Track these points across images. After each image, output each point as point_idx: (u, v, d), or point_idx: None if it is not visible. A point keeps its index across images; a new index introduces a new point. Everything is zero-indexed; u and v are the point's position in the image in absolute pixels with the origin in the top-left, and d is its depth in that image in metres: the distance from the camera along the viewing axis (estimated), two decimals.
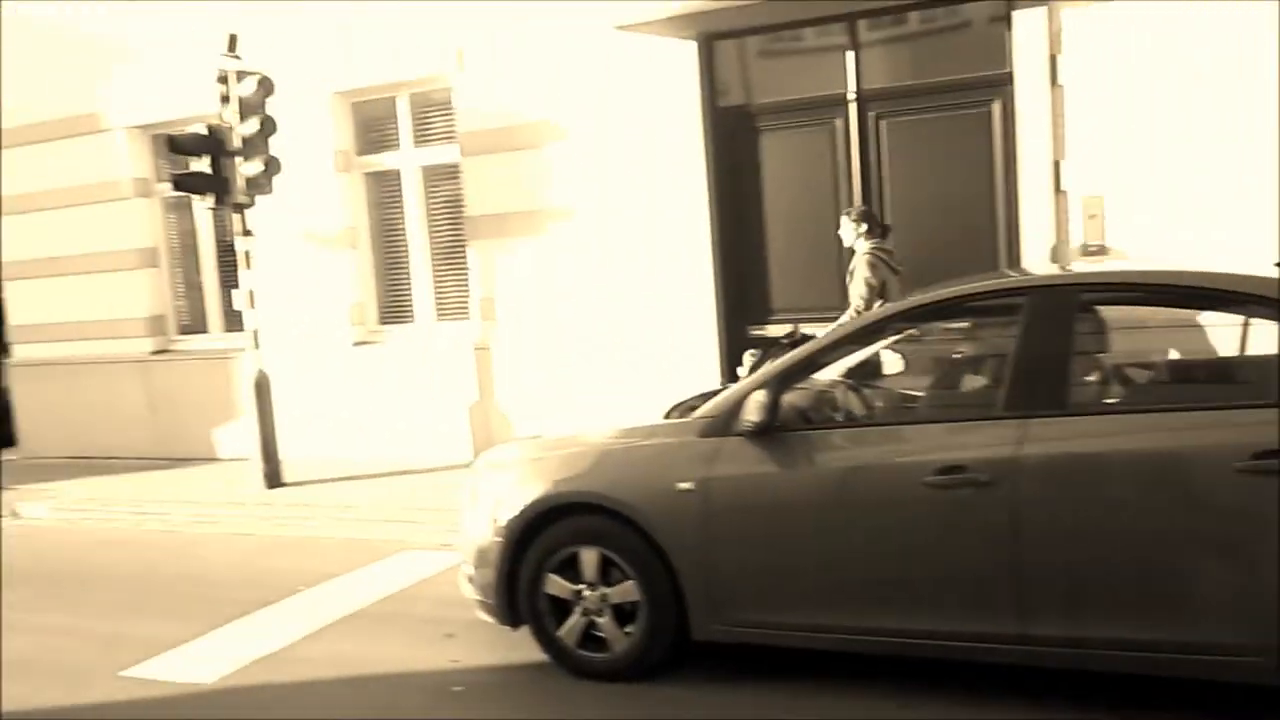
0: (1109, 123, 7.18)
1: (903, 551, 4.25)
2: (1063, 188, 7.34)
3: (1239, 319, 4.73)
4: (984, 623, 4.14)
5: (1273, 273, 4.36)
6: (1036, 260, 7.35)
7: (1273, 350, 4.13)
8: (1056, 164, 7.33)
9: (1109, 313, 4.73)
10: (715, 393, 4.98)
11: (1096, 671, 4.18)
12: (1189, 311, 4.77)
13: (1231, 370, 4.94)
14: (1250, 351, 4.72)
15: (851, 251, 7.27)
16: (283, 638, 5.68)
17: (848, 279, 7.17)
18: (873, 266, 7.02)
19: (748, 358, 7.23)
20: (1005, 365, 4.27)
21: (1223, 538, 3.82)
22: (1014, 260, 7.55)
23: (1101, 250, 7.25)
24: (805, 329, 7.79)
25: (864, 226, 7.18)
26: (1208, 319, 4.69)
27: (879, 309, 5.39)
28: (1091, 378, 4.64)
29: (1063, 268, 6.65)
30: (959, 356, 5.20)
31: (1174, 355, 5.36)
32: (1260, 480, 3.71)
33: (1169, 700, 4.16)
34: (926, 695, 4.39)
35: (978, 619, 4.15)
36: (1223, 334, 4.91)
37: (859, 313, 6.90)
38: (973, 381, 4.93)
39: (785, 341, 7.19)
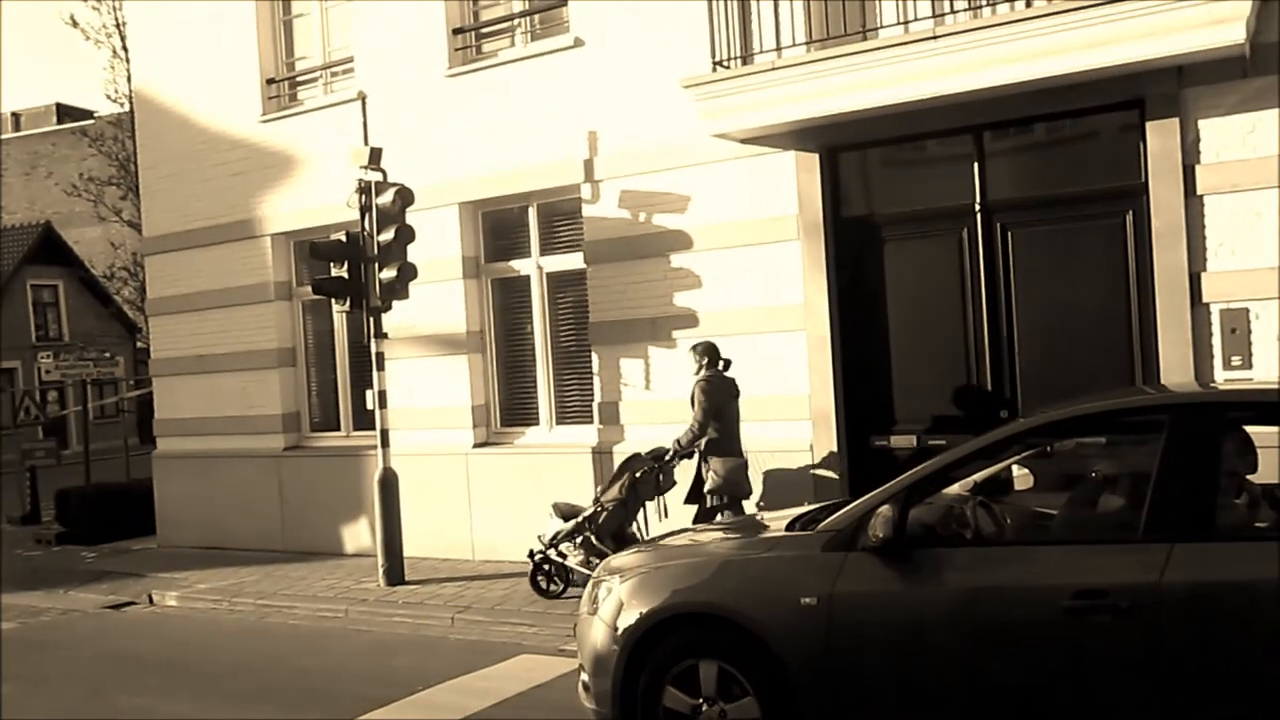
0: (1253, 234, 6.96)
1: (1037, 678, 4.07)
2: (1203, 301, 7.10)
3: None
4: None
5: None
6: (1176, 377, 7.09)
7: None
8: (1195, 276, 7.11)
9: (1257, 433, 4.50)
10: (838, 505, 4.89)
11: None
12: None
13: None
14: None
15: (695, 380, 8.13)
16: None
17: (690, 404, 8.02)
18: (706, 393, 7.95)
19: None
20: (1146, 486, 4.10)
21: None
22: (1149, 376, 7.30)
23: (1246, 366, 6.96)
24: (933, 441, 7.67)
25: (705, 359, 8.11)
26: None
27: (1012, 424, 5.25)
28: (1239, 501, 4.41)
29: (1206, 385, 6.40)
30: (1095, 475, 5.01)
31: None
32: None
33: None
34: None
35: None
36: None
37: (693, 433, 7.94)
38: (1110, 502, 4.74)
39: (648, 455, 8.16)
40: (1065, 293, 7.63)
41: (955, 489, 4.84)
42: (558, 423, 10.05)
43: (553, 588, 8.45)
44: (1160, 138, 7.20)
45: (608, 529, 8.22)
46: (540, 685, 6.51)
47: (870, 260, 8.34)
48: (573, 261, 9.81)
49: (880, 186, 8.46)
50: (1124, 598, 3.86)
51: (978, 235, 7.88)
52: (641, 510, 8.36)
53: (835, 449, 8.33)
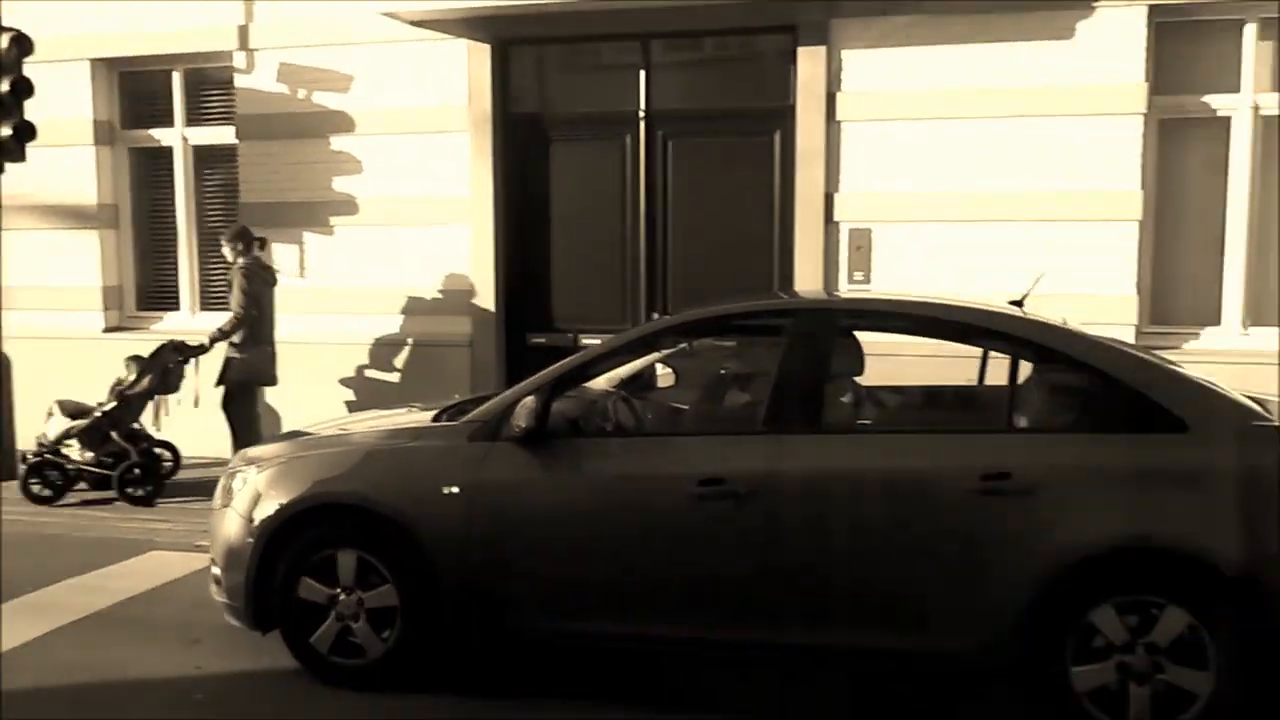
0: (880, 161, 7.62)
1: (666, 560, 4.34)
2: (834, 219, 7.71)
3: (981, 350, 5.11)
4: (742, 630, 4.29)
5: (1012, 309, 4.75)
6: (808, 286, 7.70)
7: (1005, 381, 4.50)
8: (829, 196, 7.70)
9: (865, 338, 4.98)
10: (488, 397, 4.95)
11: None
12: (939, 341, 5.07)
13: (970, 398, 5.31)
14: (990, 381, 5.09)
15: (231, 266, 8.05)
16: (7, 641, 5.23)
17: (229, 290, 7.98)
18: (247, 278, 7.88)
19: (129, 364, 8.05)
20: (767, 383, 4.44)
21: (954, 552, 4.10)
22: (786, 284, 7.88)
23: (866, 280, 7.67)
24: (588, 339, 7.90)
25: (240, 245, 8.00)
26: (955, 349, 5.02)
27: (654, 321, 5.51)
28: (845, 399, 4.89)
29: (827, 293, 7.00)
30: (725, 372, 5.37)
31: (922, 382, 5.70)
32: (987, 500, 4.02)
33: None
34: (682, 700, 4.51)
35: (736, 626, 4.30)
36: (968, 363, 5.26)
37: (237, 319, 7.83)
38: (737, 397, 5.11)
39: (170, 347, 8.08)
40: (717, 203, 8.03)
41: (602, 384, 5.03)
42: (202, 308, 9.43)
43: (47, 493, 7.91)
44: (809, 64, 7.67)
45: (128, 423, 7.97)
46: (172, 581, 6.18)
47: (537, 159, 8.37)
48: (223, 135, 9.12)
49: (551, 86, 8.45)
50: (741, 485, 4.19)
51: (640, 143, 8.10)
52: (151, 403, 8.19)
53: (494, 344, 8.40)
